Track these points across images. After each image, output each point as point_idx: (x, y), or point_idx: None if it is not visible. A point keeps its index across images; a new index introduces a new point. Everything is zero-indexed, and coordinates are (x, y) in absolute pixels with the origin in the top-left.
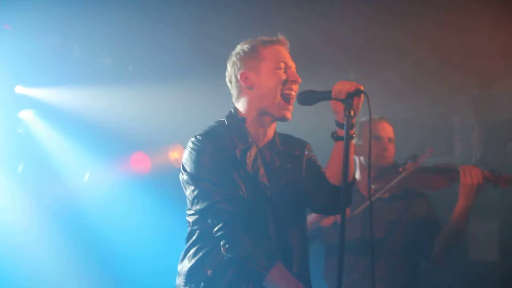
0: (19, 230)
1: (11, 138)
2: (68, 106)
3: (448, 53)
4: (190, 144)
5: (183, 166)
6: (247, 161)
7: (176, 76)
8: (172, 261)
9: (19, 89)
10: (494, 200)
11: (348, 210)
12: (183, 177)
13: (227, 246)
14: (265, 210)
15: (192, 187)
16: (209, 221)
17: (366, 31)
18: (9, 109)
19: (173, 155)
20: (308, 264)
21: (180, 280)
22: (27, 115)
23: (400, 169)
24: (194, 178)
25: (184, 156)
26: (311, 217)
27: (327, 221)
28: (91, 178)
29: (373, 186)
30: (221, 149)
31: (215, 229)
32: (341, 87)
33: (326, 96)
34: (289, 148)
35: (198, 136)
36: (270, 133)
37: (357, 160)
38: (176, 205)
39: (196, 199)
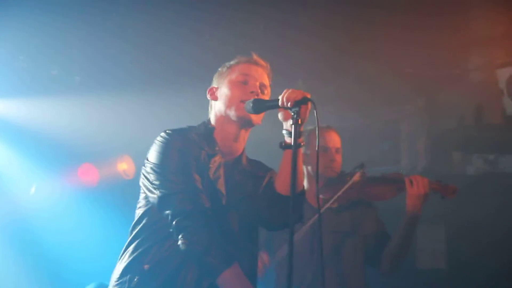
0: None
1: None
2: (12, 118)
3: (395, 63)
4: (158, 138)
5: (147, 158)
6: (211, 165)
7: (125, 87)
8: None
9: None
10: (440, 208)
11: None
12: (146, 168)
13: (187, 236)
14: (218, 217)
15: (154, 176)
16: (168, 211)
17: (315, 40)
18: None
19: (122, 166)
20: (256, 283)
21: (115, 276)
22: None
23: (348, 178)
24: (158, 168)
25: (151, 149)
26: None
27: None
28: (38, 191)
29: (321, 196)
30: (188, 147)
31: (176, 219)
32: (289, 95)
33: (273, 104)
34: (254, 169)
35: (167, 131)
36: (237, 149)
37: (305, 169)
38: (125, 216)
39: (157, 190)
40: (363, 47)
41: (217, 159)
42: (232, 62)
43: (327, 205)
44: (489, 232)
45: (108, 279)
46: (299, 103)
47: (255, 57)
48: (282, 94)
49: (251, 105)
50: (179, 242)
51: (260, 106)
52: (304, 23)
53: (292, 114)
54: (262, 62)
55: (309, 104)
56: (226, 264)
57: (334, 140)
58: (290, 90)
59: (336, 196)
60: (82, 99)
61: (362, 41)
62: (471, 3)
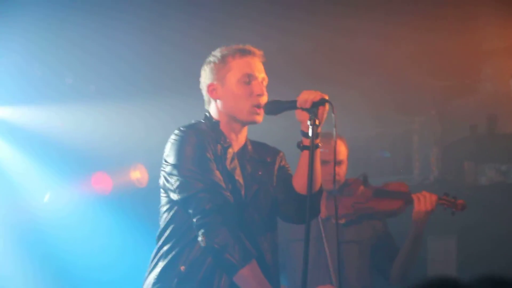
0: None
1: None
2: (26, 126)
3: (407, 73)
4: (173, 136)
5: (165, 158)
6: (227, 156)
7: (137, 94)
8: (137, 282)
9: None
10: (452, 218)
11: None
12: (165, 169)
13: (206, 234)
14: (240, 210)
15: (175, 177)
16: (190, 210)
17: (327, 50)
18: None
19: (135, 174)
20: (279, 271)
21: (150, 280)
22: None
23: (351, 192)
24: (177, 168)
25: (166, 148)
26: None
27: None
28: (51, 199)
29: (325, 211)
30: (204, 141)
31: (196, 218)
32: (306, 96)
33: (291, 105)
34: (261, 155)
35: (181, 128)
36: (242, 139)
37: None
38: (140, 224)
39: (178, 189)
40: (374, 57)
41: (231, 150)
42: (224, 53)
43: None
44: (502, 243)
45: (122, 285)
46: (317, 104)
47: (248, 47)
48: (300, 95)
49: (269, 107)
50: (199, 239)
51: (277, 107)
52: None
53: (310, 115)
54: (257, 51)
55: (327, 105)
56: (244, 261)
57: (337, 152)
58: (308, 91)
59: (343, 220)
60: (97, 107)
61: (373, 51)
62: (483, 12)
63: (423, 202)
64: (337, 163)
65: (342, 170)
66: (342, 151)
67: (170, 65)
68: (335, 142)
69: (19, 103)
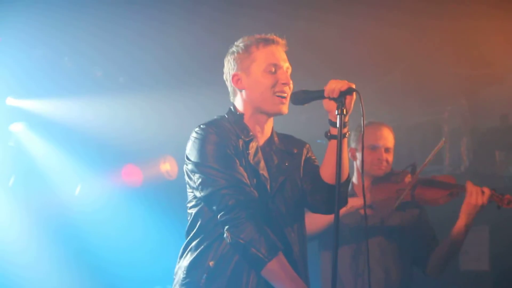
0: (13, 245)
1: (2, 152)
2: (58, 118)
3: (436, 62)
4: (193, 134)
5: (187, 156)
6: (249, 151)
7: (167, 85)
8: (163, 270)
9: (10, 101)
10: (484, 210)
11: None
12: (188, 167)
13: (231, 230)
14: (265, 203)
15: (197, 175)
16: (214, 207)
17: (358, 38)
18: (0, 122)
19: (165, 167)
20: (307, 263)
21: (179, 275)
22: (18, 127)
23: (398, 180)
24: (198, 166)
25: (188, 146)
26: (355, 202)
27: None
28: (83, 191)
29: (369, 195)
30: (225, 138)
31: (220, 214)
32: (334, 85)
33: (319, 95)
34: (288, 146)
35: (201, 126)
36: (268, 130)
37: (354, 164)
38: (168, 217)
39: (201, 186)
40: (405, 48)
41: (254, 144)
42: (247, 42)
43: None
44: None
45: (148, 272)
46: (344, 94)
47: (272, 36)
48: (327, 84)
49: (296, 97)
50: (224, 236)
51: (305, 97)
52: (347, 22)
53: (337, 104)
54: (280, 40)
55: (354, 95)
56: (270, 255)
57: (386, 138)
58: (335, 81)
59: (386, 213)
60: (126, 98)
61: (405, 42)
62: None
63: (475, 195)
64: (385, 150)
65: (390, 157)
66: (390, 138)
67: (205, 56)
68: (363, 131)
69: (50, 96)
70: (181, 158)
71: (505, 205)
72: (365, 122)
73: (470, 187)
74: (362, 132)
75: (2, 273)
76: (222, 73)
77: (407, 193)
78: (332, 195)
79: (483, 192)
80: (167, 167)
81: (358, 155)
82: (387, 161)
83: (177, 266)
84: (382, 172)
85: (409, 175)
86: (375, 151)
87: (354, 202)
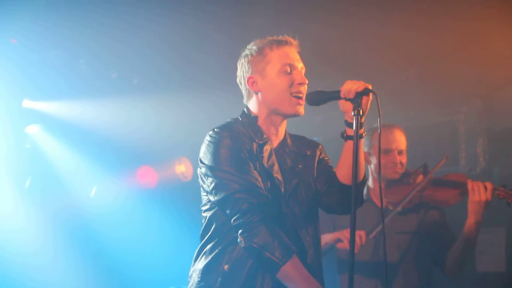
0: (29, 247)
1: (18, 153)
2: (73, 120)
3: (452, 63)
4: (207, 137)
5: (200, 159)
6: (264, 154)
7: (181, 87)
8: (178, 271)
9: (26, 103)
10: (500, 210)
11: (363, 236)
12: (201, 170)
13: (245, 234)
14: (279, 206)
15: (210, 179)
16: (227, 211)
17: (372, 38)
18: (16, 124)
19: (180, 168)
20: (321, 265)
21: (194, 278)
22: (34, 129)
23: (411, 181)
24: (212, 169)
25: (201, 149)
26: (327, 237)
27: (342, 245)
28: (98, 193)
29: (385, 200)
30: (238, 142)
31: (233, 218)
32: (350, 86)
33: (335, 96)
34: (301, 148)
35: (215, 129)
36: (282, 132)
37: (369, 168)
38: (183, 218)
39: (214, 190)
40: (420, 49)
41: (268, 147)
42: (260, 45)
43: (391, 215)
44: None
45: (164, 273)
46: (361, 94)
47: (284, 37)
48: (344, 85)
49: (312, 97)
50: (238, 240)
51: (321, 98)
52: (362, 24)
53: (354, 105)
54: (293, 41)
55: (371, 95)
56: (285, 258)
57: (398, 141)
58: (351, 81)
59: (400, 207)
60: (141, 100)
61: (420, 43)
62: None
63: (477, 191)
64: (398, 152)
65: (404, 159)
66: (403, 140)
67: (219, 57)
68: (380, 132)
69: (65, 98)
70: (195, 160)
71: None
72: (374, 126)
73: (471, 184)
74: (379, 132)
75: (18, 275)
76: (236, 74)
77: (415, 194)
78: (348, 196)
79: (485, 188)
80: (182, 168)
81: (372, 159)
82: (401, 163)
83: (191, 269)
84: (398, 175)
85: (421, 176)
86: (388, 155)
87: (328, 238)
